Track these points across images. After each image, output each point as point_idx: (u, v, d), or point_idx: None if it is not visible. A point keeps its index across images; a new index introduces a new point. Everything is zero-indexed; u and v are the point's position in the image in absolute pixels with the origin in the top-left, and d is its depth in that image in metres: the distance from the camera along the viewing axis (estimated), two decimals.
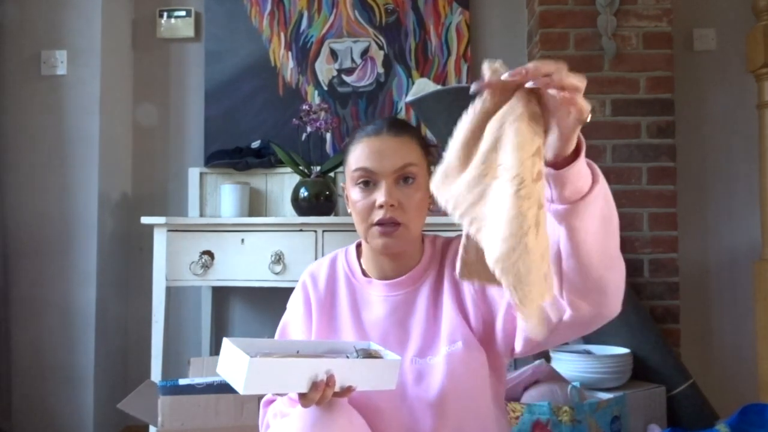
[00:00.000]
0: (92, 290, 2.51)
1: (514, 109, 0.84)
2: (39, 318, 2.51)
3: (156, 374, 2.26)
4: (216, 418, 1.86)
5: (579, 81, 0.82)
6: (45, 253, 2.53)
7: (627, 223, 2.52)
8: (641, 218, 2.52)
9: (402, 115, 2.74)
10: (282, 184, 2.69)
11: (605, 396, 2.03)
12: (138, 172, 2.86)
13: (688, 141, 2.72)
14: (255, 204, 2.67)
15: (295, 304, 1.32)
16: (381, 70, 2.79)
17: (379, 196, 1.17)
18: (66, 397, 2.49)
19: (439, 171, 0.89)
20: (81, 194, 2.54)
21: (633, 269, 2.50)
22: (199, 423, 1.86)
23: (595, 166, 0.95)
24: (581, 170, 0.90)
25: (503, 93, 0.85)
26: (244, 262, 2.30)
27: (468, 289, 1.21)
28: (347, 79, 2.79)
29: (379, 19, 2.80)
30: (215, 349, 2.75)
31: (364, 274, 1.29)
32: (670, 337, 2.44)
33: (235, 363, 1.04)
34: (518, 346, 1.16)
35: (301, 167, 2.49)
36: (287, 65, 2.81)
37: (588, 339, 2.30)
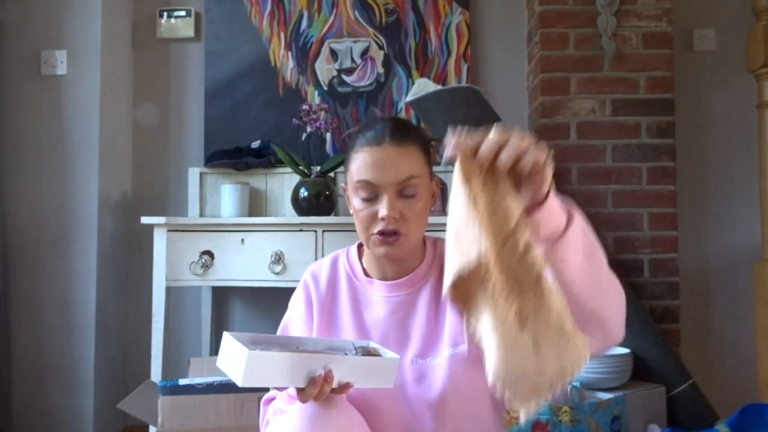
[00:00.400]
0: (92, 290, 2.51)
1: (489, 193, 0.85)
2: (39, 318, 2.51)
3: (156, 374, 2.26)
4: (216, 418, 1.86)
5: (539, 153, 0.86)
6: (45, 253, 2.53)
7: (627, 223, 2.52)
8: (641, 218, 2.52)
9: (402, 115, 2.74)
10: (282, 184, 2.69)
11: (605, 396, 2.03)
12: (138, 172, 2.86)
13: (688, 141, 2.72)
14: (255, 204, 2.67)
15: (296, 304, 1.32)
16: (381, 70, 2.79)
17: (382, 209, 1.17)
18: (66, 397, 2.49)
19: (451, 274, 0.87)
20: (81, 194, 2.54)
21: (633, 269, 2.50)
22: (199, 423, 1.86)
23: (568, 202, 0.95)
24: (553, 209, 0.90)
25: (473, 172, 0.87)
26: (244, 262, 2.30)
27: None
28: (347, 79, 2.79)
29: (379, 19, 2.80)
30: (215, 349, 2.75)
31: (366, 274, 1.29)
32: (670, 337, 2.44)
33: (234, 356, 1.05)
34: None
35: (301, 167, 2.49)
36: (287, 65, 2.81)
37: None
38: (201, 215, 2.70)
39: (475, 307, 0.86)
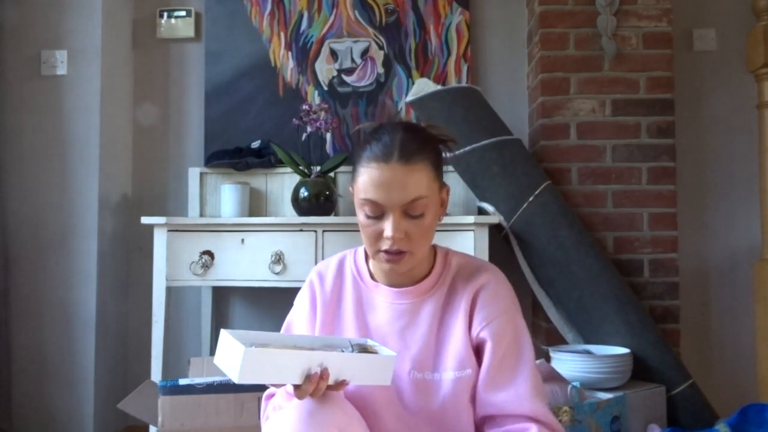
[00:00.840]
0: (92, 290, 2.51)
1: None
2: (39, 318, 2.51)
3: (156, 374, 2.26)
4: (216, 418, 1.86)
5: None
6: (45, 253, 2.53)
7: (627, 223, 2.52)
8: (641, 218, 2.52)
9: (402, 115, 2.74)
10: (282, 184, 2.69)
11: (605, 396, 2.03)
12: (138, 172, 2.86)
13: (688, 141, 2.72)
14: (255, 204, 2.67)
15: (301, 302, 1.32)
16: (381, 70, 2.79)
17: (387, 229, 1.15)
18: (66, 397, 2.49)
19: None
20: (81, 194, 2.54)
21: (633, 269, 2.50)
22: (199, 423, 1.86)
23: None
24: None
25: None
26: (244, 262, 2.30)
27: (475, 328, 1.22)
28: (347, 79, 2.79)
29: (379, 19, 2.80)
30: (215, 349, 2.75)
31: (372, 277, 1.28)
32: (670, 337, 2.44)
33: (231, 353, 1.06)
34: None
35: (301, 167, 2.49)
36: (287, 65, 2.81)
37: (588, 339, 2.30)
38: (201, 215, 2.70)
39: None
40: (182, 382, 1.90)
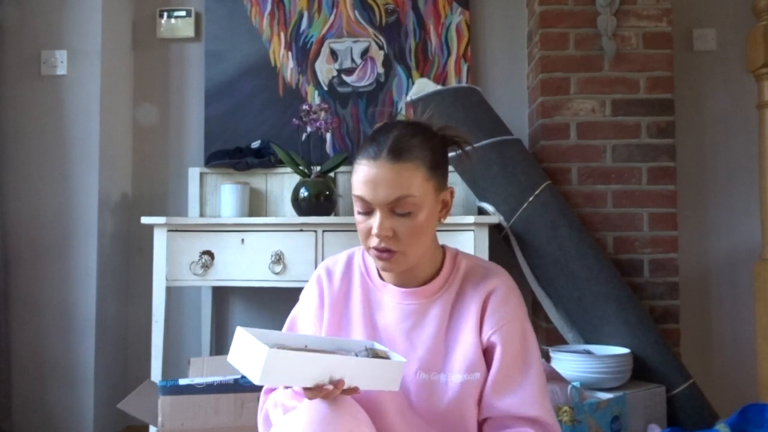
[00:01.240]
0: (92, 290, 2.51)
1: None
2: (39, 318, 2.51)
3: (156, 374, 2.26)
4: (216, 418, 1.86)
5: None
6: (45, 253, 2.53)
7: (627, 223, 2.52)
8: (641, 218, 2.52)
9: (402, 115, 2.74)
10: (282, 184, 2.69)
11: (605, 396, 2.03)
12: (138, 172, 2.86)
13: (688, 141, 2.72)
14: (255, 204, 2.67)
15: (308, 298, 1.31)
16: (381, 70, 2.79)
17: (374, 226, 1.17)
18: (66, 397, 2.49)
19: None
20: (81, 194, 2.54)
21: (633, 269, 2.50)
22: (199, 423, 1.86)
23: None
24: None
25: None
26: (244, 262, 2.30)
27: (485, 332, 1.22)
28: (347, 79, 2.79)
29: (379, 19, 2.80)
30: (215, 349, 2.75)
31: (380, 276, 1.28)
32: (670, 337, 2.44)
33: (251, 353, 1.04)
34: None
35: (301, 167, 2.49)
36: (287, 65, 2.81)
37: (588, 339, 2.30)
38: (201, 215, 2.70)
39: None
40: (182, 382, 1.90)
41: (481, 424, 1.22)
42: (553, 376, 1.99)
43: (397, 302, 1.25)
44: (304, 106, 2.49)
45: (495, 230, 2.41)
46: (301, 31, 2.82)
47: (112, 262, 2.66)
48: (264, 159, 2.67)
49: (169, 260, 2.29)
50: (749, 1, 2.31)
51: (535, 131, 2.68)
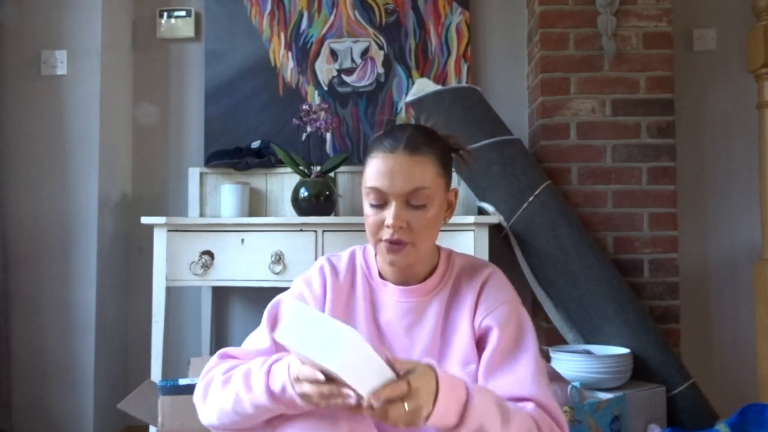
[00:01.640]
0: (92, 290, 2.51)
1: None
2: (39, 318, 2.51)
3: (156, 374, 2.26)
4: None
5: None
6: (45, 254, 2.53)
7: (627, 223, 2.52)
8: (641, 218, 2.52)
9: (402, 115, 2.75)
10: (282, 184, 2.69)
11: (605, 396, 2.03)
12: (138, 172, 2.86)
13: (688, 141, 2.72)
14: (255, 204, 2.67)
15: (308, 283, 1.29)
16: (381, 70, 2.79)
17: (388, 217, 1.18)
18: (66, 397, 2.49)
19: None
20: (81, 194, 2.54)
21: (633, 269, 2.50)
22: (199, 423, 1.85)
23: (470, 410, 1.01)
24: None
25: None
26: (244, 262, 2.30)
27: (479, 317, 1.23)
28: (347, 79, 2.79)
29: (379, 19, 2.80)
30: (215, 349, 2.74)
31: (380, 275, 1.29)
32: (670, 337, 2.44)
33: (323, 334, 0.92)
34: None
35: (301, 167, 2.49)
36: (287, 65, 2.81)
37: (588, 339, 2.30)
38: (201, 215, 2.70)
39: None
40: (182, 382, 1.89)
41: None
42: (553, 376, 1.98)
43: (397, 300, 1.26)
44: (304, 106, 2.49)
45: (495, 230, 2.41)
46: (301, 31, 2.82)
47: (112, 262, 2.66)
48: (264, 159, 2.67)
49: (169, 260, 2.29)
50: (749, 1, 2.31)
51: (535, 131, 2.68)
